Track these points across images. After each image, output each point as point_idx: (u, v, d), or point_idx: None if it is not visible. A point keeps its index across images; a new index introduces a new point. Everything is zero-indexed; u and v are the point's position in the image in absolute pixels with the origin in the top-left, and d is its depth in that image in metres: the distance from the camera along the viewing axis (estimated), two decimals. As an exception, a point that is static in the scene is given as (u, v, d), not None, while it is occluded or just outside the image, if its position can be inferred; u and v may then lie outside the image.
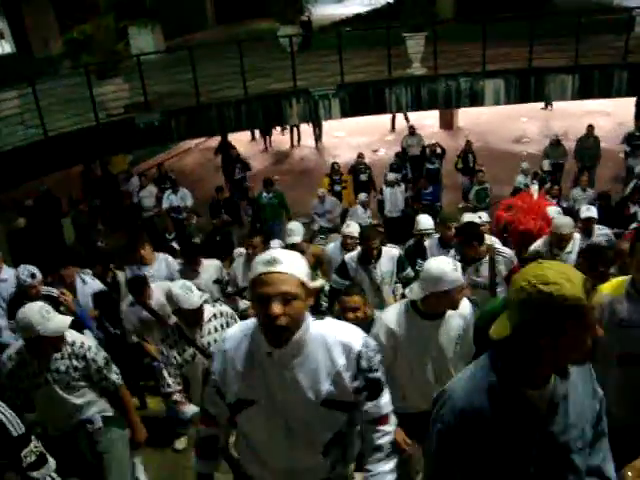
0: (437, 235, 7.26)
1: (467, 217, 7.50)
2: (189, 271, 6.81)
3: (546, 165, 13.31)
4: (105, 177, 14.86)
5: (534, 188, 11.76)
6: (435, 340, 3.91)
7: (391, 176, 13.05)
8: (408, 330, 3.87)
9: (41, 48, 17.23)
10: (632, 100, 15.92)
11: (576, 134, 14.97)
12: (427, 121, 19.62)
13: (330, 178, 13.30)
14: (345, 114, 13.29)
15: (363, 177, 13.68)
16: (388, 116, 17.36)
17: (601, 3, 20.02)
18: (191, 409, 4.63)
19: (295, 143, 19.94)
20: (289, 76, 12.53)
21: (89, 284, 6.42)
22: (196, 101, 12.23)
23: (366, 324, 4.22)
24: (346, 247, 7.04)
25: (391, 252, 6.34)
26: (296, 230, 7.30)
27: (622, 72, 12.36)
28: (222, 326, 4.58)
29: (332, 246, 7.56)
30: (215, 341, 4.42)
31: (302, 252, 6.42)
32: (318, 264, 7.35)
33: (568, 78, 12.56)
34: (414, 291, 3.87)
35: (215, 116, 12.59)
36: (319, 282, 6.77)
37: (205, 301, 4.64)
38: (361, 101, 12.99)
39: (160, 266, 6.99)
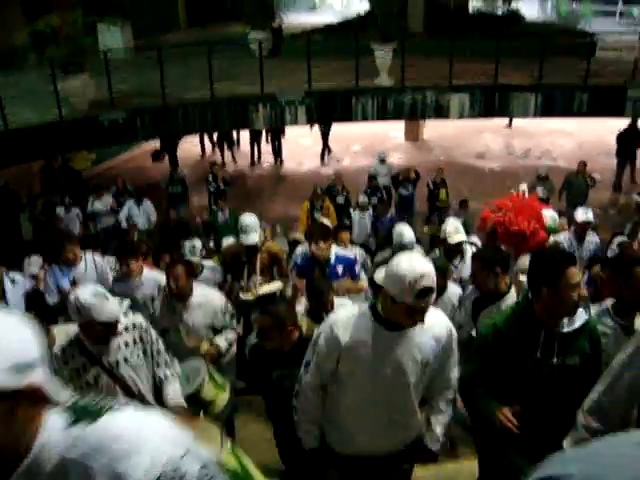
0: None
1: (456, 237, 6.39)
2: (124, 278, 5.70)
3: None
4: (66, 173, 14.65)
5: (523, 188, 10.75)
6: (392, 357, 3.02)
7: (362, 199, 12.11)
8: (358, 338, 3.00)
9: (4, 39, 16.93)
10: (593, 121, 16.30)
11: (539, 152, 15.26)
12: (392, 132, 19.80)
13: (310, 203, 11.59)
14: (311, 121, 13.40)
15: (340, 199, 12.50)
16: (355, 125, 17.43)
17: (566, 27, 20.53)
18: None
19: (255, 160, 18.19)
20: (257, 81, 12.56)
21: (19, 284, 5.94)
22: (162, 101, 12.18)
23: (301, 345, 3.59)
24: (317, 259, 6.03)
25: (340, 302, 5.02)
26: (251, 225, 6.09)
27: (583, 94, 12.71)
28: (135, 341, 3.80)
29: (300, 251, 6.31)
30: (126, 360, 3.71)
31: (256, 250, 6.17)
32: (274, 263, 6.50)
33: (531, 96, 12.87)
34: (378, 278, 3.36)
35: (181, 117, 12.56)
36: (275, 285, 6.16)
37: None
38: (327, 109, 13.11)
39: (87, 267, 5.95)
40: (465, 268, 6.16)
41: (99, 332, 3.56)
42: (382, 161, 13.99)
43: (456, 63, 12.56)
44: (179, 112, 12.51)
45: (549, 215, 6.95)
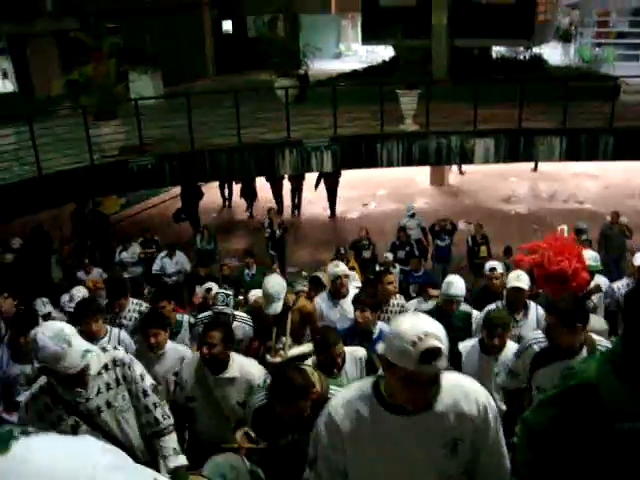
0: (475, 338, 5.28)
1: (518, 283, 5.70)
2: (146, 351, 5.06)
3: None
4: (95, 218, 14.91)
5: (563, 227, 9.78)
6: (401, 447, 2.42)
7: (387, 256, 11.74)
8: (359, 425, 2.45)
9: (43, 88, 17.50)
10: (619, 164, 16.25)
11: (565, 195, 15.18)
12: (418, 177, 19.90)
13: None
14: (337, 167, 13.53)
15: (366, 254, 12.39)
16: (380, 170, 17.55)
17: (589, 71, 20.63)
18: None
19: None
20: (283, 127, 12.78)
21: None
22: (190, 147, 12.43)
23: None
24: (338, 291, 6.19)
25: (356, 353, 4.59)
26: (275, 294, 5.34)
27: (608, 137, 12.69)
28: (118, 381, 3.29)
29: (319, 298, 6.34)
30: (109, 404, 3.24)
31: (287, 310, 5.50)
32: (305, 322, 5.82)
33: (556, 140, 12.88)
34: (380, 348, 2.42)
35: (208, 163, 12.78)
36: (305, 347, 5.30)
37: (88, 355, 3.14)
38: (353, 155, 13.23)
39: (110, 341, 5.22)
40: (526, 325, 5.61)
41: (63, 379, 3.05)
42: (412, 215, 13.55)
43: (480, 108, 12.66)
44: (206, 158, 12.74)
45: (590, 255, 6.39)
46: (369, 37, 21.39)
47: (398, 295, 6.93)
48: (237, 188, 17.86)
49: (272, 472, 3.61)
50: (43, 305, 7.95)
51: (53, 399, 3.14)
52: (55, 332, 2.95)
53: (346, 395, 2.57)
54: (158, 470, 3.37)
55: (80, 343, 3.06)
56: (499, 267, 6.79)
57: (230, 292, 6.58)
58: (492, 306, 5.80)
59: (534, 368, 4.10)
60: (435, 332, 2.22)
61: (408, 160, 13.52)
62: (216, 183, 18.02)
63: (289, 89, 14.01)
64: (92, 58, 12.08)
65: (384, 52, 25.30)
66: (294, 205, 17.94)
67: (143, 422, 3.42)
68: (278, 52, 16.40)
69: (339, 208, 17.97)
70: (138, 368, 3.40)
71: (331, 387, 3.58)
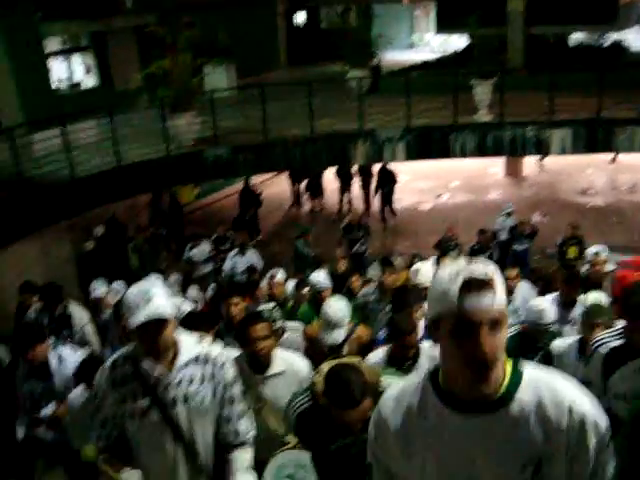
0: (574, 337, 4.78)
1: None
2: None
3: None
4: (172, 207, 15.31)
5: None
6: (466, 459, 1.83)
7: None
8: (411, 425, 1.92)
9: (122, 82, 18.05)
10: None
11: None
12: (492, 169, 19.56)
13: None
14: (410, 157, 13.42)
15: (452, 255, 10.88)
16: (453, 161, 17.33)
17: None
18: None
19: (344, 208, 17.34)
20: (356, 118, 12.78)
21: (66, 361, 5.14)
22: (264, 138, 12.58)
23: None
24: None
25: (434, 350, 3.78)
26: (338, 320, 4.45)
27: (693, 126, 12.16)
28: (203, 379, 2.96)
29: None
30: (186, 399, 2.90)
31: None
32: (364, 353, 4.69)
33: (638, 130, 12.41)
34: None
35: (281, 153, 12.91)
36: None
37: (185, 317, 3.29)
38: (426, 145, 13.11)
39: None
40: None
41: (143, 340, 2.78)
42: (509, 214, 12.50)
43: (557, 98, 12.30)
44: (280, 148, 12.87)
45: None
46: (443, 26, 21.15)
47: None
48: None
49: None
50: (99, 287, 8.06)
51: (135, 372, 2.86)
52: (141, 289, 2.77)
53: (399, 386, 2.07)
54: None
55: (166, 299, 2.81)
56: (603, 252, 6.25)
57: (272, 306, 5.88)
58: (594, 295, 5.29)
59: (608, 373, 3.52)
60: (479, 267, 1.76)
61: (482, 151, 13.30)
62: (280, 183, 18.13)
63: (362, 80, 13.98)
64: (169, 52, 12.38)
65: (457, 42, 24.95)
66: (366, 203, 17.39)
67: (221, 431, 3.03)
68: (351, 43, 16.41)
69: (412, 199, 17.87)
70: (232, 372, 3.03)
71: (386, 378, 3.23)
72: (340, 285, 7.80)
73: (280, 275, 8.11)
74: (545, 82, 12.42)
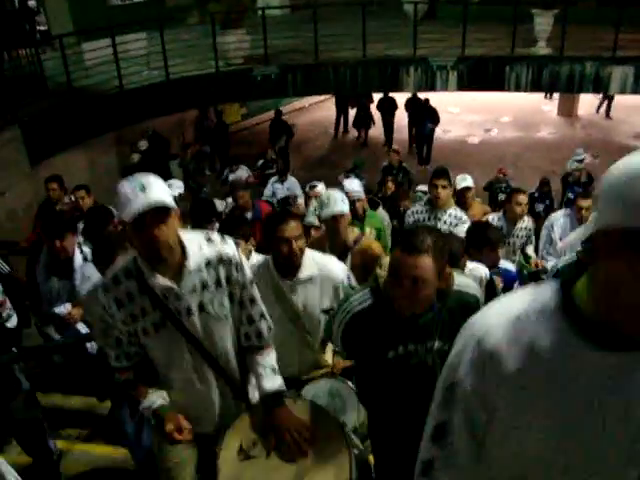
0: None
1: None
2: None
3: None
4: (218, 125, 15.28)
5: None
6: (614, 405, 1.39)
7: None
8: (538, 362, 1.42)
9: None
10: None
11: None
12: (545, 106, 19.01)
13: None
14: (462, 87, 13.05)
15: (501, 197, 10.40)
16: (505, 95, 16.81)
17: None
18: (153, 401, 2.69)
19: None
20: (410, 44, 12.42)
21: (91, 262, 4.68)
22: (314, 59, 12.35)
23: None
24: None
25: (476, 271, 4.18)
26: (338, 197, 4.39)
27: None
28: (219, 283, 2.60)
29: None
30: (202, 307, 2.57)
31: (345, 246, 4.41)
32: (369, 269, 3.43)
33: None
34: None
35: (331, 75, 12.68)
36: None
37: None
38: (479, 76, 12.72)
39: None
40: None
41: (145, 236, 2.33)
42: (580, 161, 11.57)
43: (624, 33, 11.71)
44: (330, 70, 12.63)
45: None
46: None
47: (526, 218, 6.17)
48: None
49: (375, 400, 2.92)
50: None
51: (140, 286, 2.49)
52: (135, 178, 2.36)
53: (508, 307, 1.51)
54: (246, 392, 2.89)
55: (165, 188, 2.42)
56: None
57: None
58: None
59: None
60: None
61: (537, 85, 12.85)
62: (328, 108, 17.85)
63: (418, 4, 13.52)
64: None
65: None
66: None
67: (242, 333, 2.77)
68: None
69: (460, 132, 17.53)
70: (249, 271, 2.71)
71: (457, 279, 2.71)
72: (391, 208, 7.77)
73: (321, 186, 8.12)
74: (613, 16, 11.81)
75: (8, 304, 4.62)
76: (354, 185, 5.80)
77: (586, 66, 12.32)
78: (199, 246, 2.53)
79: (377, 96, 16.44)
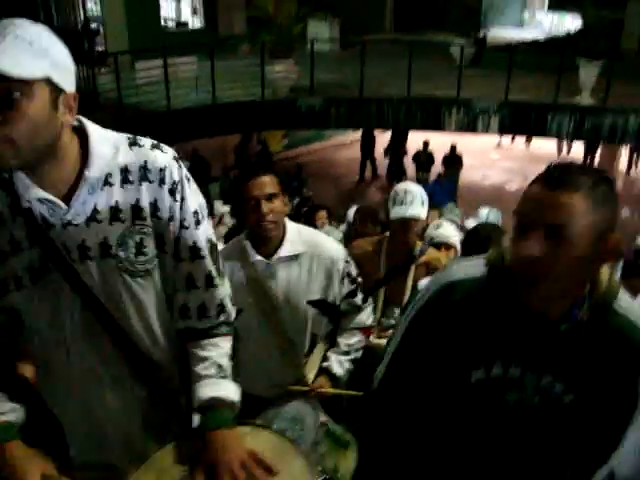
0: None
1: None
2: None
3: None
4: (262, 152, 15.56)
5: None
6: None
7: None
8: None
9: (227, 27, 18.30)
10: None
11: None
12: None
13: None
14: (503, 131, 13.14)
15: None
16: (547, 144, 16.66)
17: None
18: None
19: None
20: (454, 87, 12.58)
21: None
22: (359, 94, 12.57)
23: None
24: None
25: None
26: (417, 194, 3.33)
27: None
28: (137, 213, 1.53)
29: None
30: (106, 250, 1.50)
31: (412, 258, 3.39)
32: None
33: None
34: None
35: (374, 111, 12.86)
36: None
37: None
38: (521, 121, 12.78)
39: None
40: None
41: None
42: None
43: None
44: (373, 105, 12.82)
45: None
46: (556, 4, 20.39)
47: None
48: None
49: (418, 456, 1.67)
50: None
51: (11, 205, 1.43)
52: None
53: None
54: (188, 408, 1.66)
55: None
56: None
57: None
58: None
59: None
60: None
61: (578, 134, 12.87)
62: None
63: (465, 49, 13.71)
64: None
65: (570, 24, 24.01)
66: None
67: (176, 306, 1.65)
68: (459, 11, 16.09)
69: (499, 178, 17.53)
70: (194, 199, 1.62)
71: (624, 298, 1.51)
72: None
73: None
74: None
75: None
76: (450, 230, 4.38)
77: (629, 119, 12.31)
78: (114, 149, 1.53)
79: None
